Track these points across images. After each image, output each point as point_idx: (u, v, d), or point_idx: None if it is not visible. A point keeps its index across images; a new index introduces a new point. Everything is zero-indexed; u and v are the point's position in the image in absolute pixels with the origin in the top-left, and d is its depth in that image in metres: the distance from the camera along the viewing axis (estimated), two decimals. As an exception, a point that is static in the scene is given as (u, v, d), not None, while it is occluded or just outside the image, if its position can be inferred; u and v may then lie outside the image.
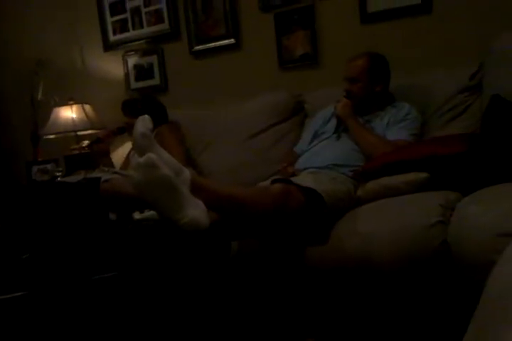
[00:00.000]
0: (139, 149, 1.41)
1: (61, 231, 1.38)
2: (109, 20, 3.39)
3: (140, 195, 1.39)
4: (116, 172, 2.42)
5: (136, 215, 1.70)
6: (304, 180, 1.83)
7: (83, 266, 1.34)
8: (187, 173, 1.48)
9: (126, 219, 1.72)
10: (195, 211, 1.40)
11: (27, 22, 3.68)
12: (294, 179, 1.84)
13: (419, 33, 2.45)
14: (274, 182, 1.84)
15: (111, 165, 2.89)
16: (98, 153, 2.86)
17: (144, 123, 1.43)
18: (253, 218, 1.63)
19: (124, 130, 2.86)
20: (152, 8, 3.21)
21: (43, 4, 3.59)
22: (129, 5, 3.29)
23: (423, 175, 1.73)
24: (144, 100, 2.82)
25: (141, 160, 1.34)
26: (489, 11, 2.25)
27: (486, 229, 1.34)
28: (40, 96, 3.49)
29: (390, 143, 2.04)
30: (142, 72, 3.32)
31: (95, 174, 2.36)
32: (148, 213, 1.69)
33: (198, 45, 3.09)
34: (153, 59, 3.27)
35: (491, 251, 1.29)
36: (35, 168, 3.38)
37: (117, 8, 3.34)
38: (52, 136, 3.38)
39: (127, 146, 3.23)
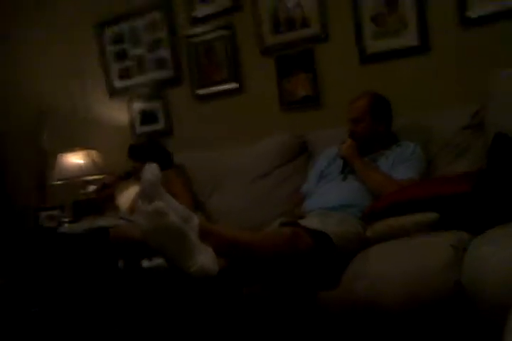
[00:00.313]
0: (146, 197, 1.42)
1: (71, 283, 1.37)
2: (113, 67, 3.47)
3: (149, 242, 1.39)
4: (122, 218, 2.43)
5: (145, 263, 1.69)
6: (312, 222, 1.83)
7: (92, 317, 1.33)
8: (195, 219, 1.48)
9: (135, 267, 1.71)
10: (204, 258, 1.39)
11: (30, 70, 3.77)
12: (302, 221, 1.83)
13: (418, 73, 2.50)
14: (282, 225, 1.84)
15: (117, 210, 2.90)
16: (104, 198, 2.88)
17: (151, 170, 1.45)
18: (263, 262, 1.62)
19: (131, 175, 2.89)
20: (155, 55, 3.30)
21: (45, 52, 3.69)
22: (132, 53, 3.38)
23: (432, 215, 1.72)
24: (149, 145, 2.85)
25: (149, 208, 1.35)
26: (488, 51, 2.30)
27: (501, 270, 1.32)
28: (45, 143, 3.55)
29: (397, 182, 2.04)
30: (147, 116, 3.38)
31: (102, 220, 2.36)
32: (157, 261, 1.68)
33: (200, 89, 3.15)
34: (158, 104, 3.33)
35: (507, 292, 1.27)
36: (42, 215, 3.39)
37: (121, 55, 3.43)
38: (59, 182, 3.41)
39: (133, 190, 3.23)
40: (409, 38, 2.49)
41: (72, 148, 3.36)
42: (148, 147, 2.86)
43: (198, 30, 3.10)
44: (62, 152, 3.39)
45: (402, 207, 1.82)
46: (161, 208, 1.34)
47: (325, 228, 1.75)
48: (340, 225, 1.84)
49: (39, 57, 3.73)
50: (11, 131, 3.86)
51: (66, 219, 3.28)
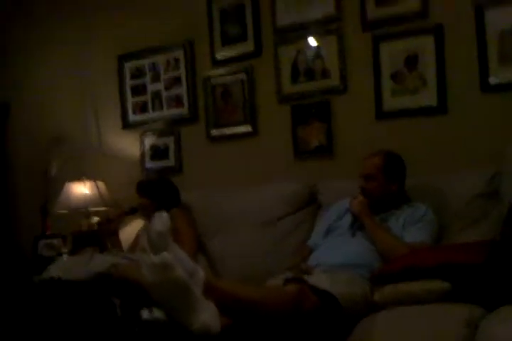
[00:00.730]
0: (154, 248, 1.40)
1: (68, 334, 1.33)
2: (130, 100, 3.49)
3: (152, 295, 1.36)
4: (125, 257, 2.39)
5: (145, 314, 1.64)
6: (318, 280, 1.80)
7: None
8: (201, 273, 1.45)
9: (133, 317, 1.66)
10: (207, 315, 1.36)
11: (48, 96, 3.80)
12: (308, 278, 1.80)
13: (434, 132, 2.50)
14: (287, 281, 1.80)
15: (119, 245, 2.86)
16: (107, 233, 2.84)
17: (162, 220, 1.43)
18: (267, 321, 1.59)
19: (136, 210, 2.87)
20: (172, 92, 3.32)
21: (64, 79, 3.72)
22: (150, 88, 3.41)
23: (445, 284, 1.69)
24: (159, 182, 2.84)
25: (156, 259, 1.33)
26: (505, 116, 2.31)
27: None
28: (54, 170, 3.54)
29: (407, 244, 2.01)
30: (158, 152, 3.38)
31: (104, 257, 2.32)
32: (157, 313, 1.63)
33: (215, 130, 3.16)
34: (170, 140, 3.33)
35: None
36: (41, 243, 3.35)
37: (139, 89, 3.45)
38: (63, 211, 3.38)
39: (136, 225, 3.21)
40: (428, 98, 2.51)
41: (79, 177, 3.35)
42: (157, 184, 2.85)
43: (218, 71, 3.13)
44: (69, 180, 3.38)
45: (412, 272, 1.79)
46: (167, 260, 1.33)
47: (332, 288, 1.72)
48: (348, 286, 1.81)
49: (57, 83, 3.76)
50: (21, 156, 3.86)
51: (65, 250, 3.23)
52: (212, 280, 1.53)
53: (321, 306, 1.65)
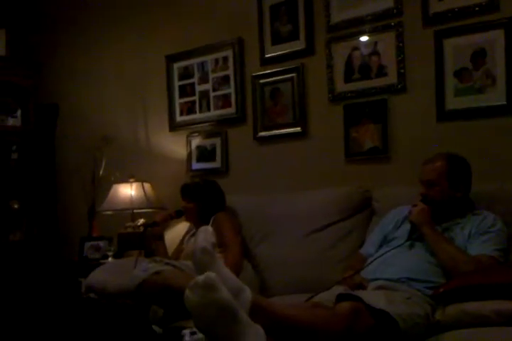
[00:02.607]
0: (198, 265, 1.29)
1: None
2: (178, 101, 3.43)
3: (194, 319, 1.24)
4: (168, 263, 2.30)
5: (187, 337, 1.53)
6: (374, 298, 1.63)
7: None
8: (247, 293, 1.33)
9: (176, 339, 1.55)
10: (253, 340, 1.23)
11: (96, 99, 3.81)
12: (363, 295, 1.64)
13: (502, 134, 2.29)
14: (339, 297, 1.65)
15: (164, 249, 2.78)
16: (152, 236, 2.77)
17: (205, 236, 1.32)
18: (317, 344, 1.44)
19: (182, 214, 2.78)
20: (220, 92, 3.23)
21: (115, 79, 3.72)
22: (198, 88, 3.33)
23: (517, 306, 1.50)
24: (204, 185, 2.74)
25: (200, 279, 1.21)
26: None
27: None
28: (101, 171, 3.52)
29: (473, 258, 1.83)
30: (204, 153, 3.30)
31: (147, 264, 2.24)
32: (201, 336, 1.52)
33: (263, 131, 3.04)
34: (217, 141, 3.24)
35: None
36: (87, 244, 3.33)
37: (186, 90, 3.39)
38: (109, 212, 3.35)
39: (182, 228, 3.13)
40: (496, 97, 2.30)
41: (126, 178, 3.31)
42: (202, 187, 2.75)
43: (267, 70, 3.01)
44: (116, 182, 3.35)
45: (480, 290, 1.61)
46: (212, 281, 1.20)
47: (390, 308, 1.56)
48: (407, 305, 1.65)
49: (106, 84, 3.77)
50: (69, 157, 3.88)
51: (110, 252, 3.20)
52: (259, 300, 1.40)
53: (377, 328, 1.49)
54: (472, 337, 1.49)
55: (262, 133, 3.04)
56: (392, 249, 2.02)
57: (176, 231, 3.18)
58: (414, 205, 2.04)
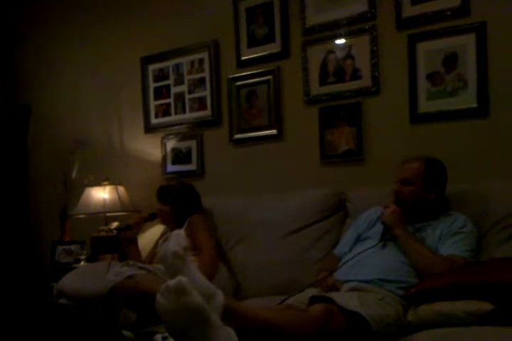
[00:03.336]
0: (169, 270, 1.27)
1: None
2: (153, 103, 3.40)
3: (165, 324, 1.22)
4: (141, 267, 2.27)
5: None
6: (347, 299, 1.64)
7: None
8: (220, 297, 1.31)
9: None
10: (226, 345, 1.21)
11: (69, 101, 3.75)
12: (336, 297, 1.64)
13: (474, 137, 2.33)
14: (312, 299, 1.65)
15: (137, 253, 2.74)
16: (125, 240, 2.73)
17: (178, 240, 1.30)
18: (289, 346, 1.43)
19: (156, 216, 2.75)
20: (196, 94, 3.21)
21: (88, 80, 3.66)
22: (173, 90, 3.31)
23: (487, 306, 1.52)
24: (181, 188, 2.71)
25: (171, 284, 1.19)
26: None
27: None
28: (74, 174, 3.47)
29: (445, 259, 1.85)
30: (180, 156, 3.27)
31: (120, 269, 2.21)
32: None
33: (238, 133, 3.03)
34: (192, 144, 3.22)
35: None
36: (59, 248, 3.27)
37: (162, 92, 3.36)
38: (81, 216, 3.30)
39: (156, 232, 3.10)
40: (468, 100, 2.33)
41: (99, 181, 3.27)
42: (178, 190, 2.72)
43: (243, 73, 3.01)
44: (89, 185, 3.30)
45: (451, 291, 1.62)
46: (183, 285, 1.18)
47: (362, 309, 1.57)
48: (380, 306, 1.66)
49: (79, 85, 3.71)
50: (41, 159, 3.81)
51: (83, 256, 3.15)
52: (232, 304, 1.38)
53: (350, 329, 1.49)
54: (443, 337, 1.49)
55: (238, 136, 3.04)
56: (365, 248, 2.03)
57: (151, 235, 3.15)
58: (386, 207, 2.06)
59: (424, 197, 2.02)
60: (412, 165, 2.05)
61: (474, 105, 2.32)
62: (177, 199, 2.67)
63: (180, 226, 2.56)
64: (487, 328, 1.49)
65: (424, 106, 2.44)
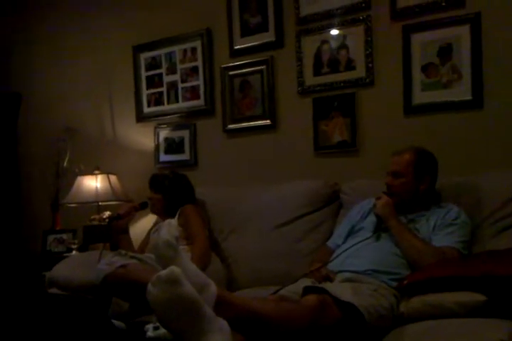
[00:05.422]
0: (161, 260, 1.26)
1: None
2: (145, 92, 3.37)
3: (157, 314, 1.22)
4: (133, 257, 2.26)
5: (150, 332, 1.50)
6: (341, 290, 1.64)
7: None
8: (212, 288, 1.31)
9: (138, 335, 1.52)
10: (218, 336, 1.21)
11: (60, 89, 3.70)
12: (330, 288, 1.64)
13: (468, 129, 2.33)
14: (306, 290, 1.65)
15: (129, 242, 2.73)
16: (117, 229, 2.71)
17: (169, 229, 1.29)
18: (284, 337, 1.43)
19: (147, 205, 2.73)
20: (189, 84, 3.19)
21: (79, 69, 3.62)
22: (166, 79, 3.28)
23: (480, 297, 1.53)
24: (173, 178, 2.70)
25: (163, 274, 1.18)
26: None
27: None
28: (66, 163, 3.44)
29: (437, 250, 1.85)
30: (173, 145, 3.25)
31: (112, 258, 2.19)
32: (164, 331, 1.49)
33: (232, 123, 3.02)
34: (185, 134, 3.20)
35: None
36: (50, 237, 3.25)
37: (154, 81, 3.33)
38: (73, 205, 3.28)
39: (149, 221, 3.09)
40: (462, 92, 2.33)
41: (91, 170, 3.24)
42: (171, 179, 2.71)
43: (236, 62, 2.98)
44: (81, 173, 3.28)
45: (444, 282, 1.62)
46: (175, 275, 1.17)
47: (356, 300, 1.57)
48: (374, 297, 1.66)
49: (71, 73, 3.66)
50: (32, 148, 3.77)
51: (74, 246, 3.14)
52: (224, 294, 1.38)
53: (343, 320, 1.50)
54: (435, 328, 1.50)
55: (231, 126, 3.02)
56: (359, 240, 2.03)
57: (143, 225, 3.14)
58: (378, 198, 2.06)
59: (415, 187, 2.03)
60: (402, 157, 2.05)
61: (469, 97, 2.32)
62: (168, 188, 2.66)
63: (171, 216, 2.56)
64: (479, 320, 1.50)
65: (419, 97, 2.44)
